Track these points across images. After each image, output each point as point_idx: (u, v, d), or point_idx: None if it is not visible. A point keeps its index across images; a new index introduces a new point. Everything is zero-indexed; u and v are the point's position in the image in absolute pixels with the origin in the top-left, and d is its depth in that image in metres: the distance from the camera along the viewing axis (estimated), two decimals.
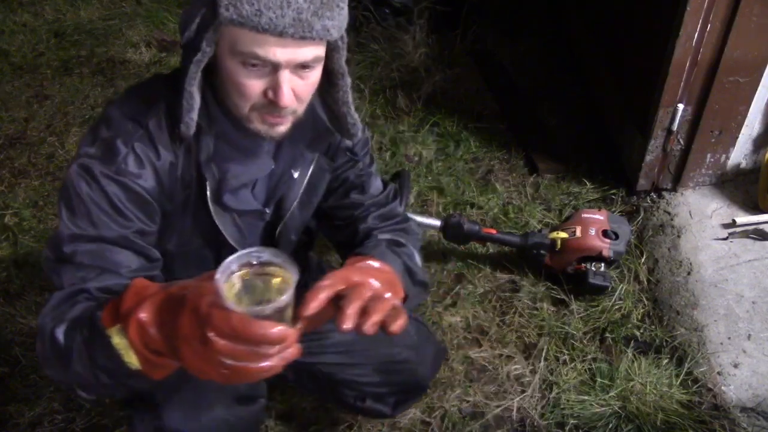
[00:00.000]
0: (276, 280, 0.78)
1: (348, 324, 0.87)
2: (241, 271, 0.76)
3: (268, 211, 1.24)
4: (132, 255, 1.05)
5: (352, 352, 1.45)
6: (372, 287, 0.93)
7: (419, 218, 2.01)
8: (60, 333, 0.94)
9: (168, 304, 0.80)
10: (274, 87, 0.99)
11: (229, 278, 0.75)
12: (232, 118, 1.08)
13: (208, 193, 1.12)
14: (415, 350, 1.48)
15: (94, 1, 3.49)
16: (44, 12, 3.43)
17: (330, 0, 0.96)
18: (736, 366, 1.79)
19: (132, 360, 0.84)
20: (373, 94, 2.81)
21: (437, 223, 2.01)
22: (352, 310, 0.88)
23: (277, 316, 0.74)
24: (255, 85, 1.00)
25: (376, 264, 1.00)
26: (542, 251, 2.01)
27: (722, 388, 1.75)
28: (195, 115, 1.04)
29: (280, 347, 0.74)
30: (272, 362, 0.74)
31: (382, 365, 1.46)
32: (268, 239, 1.29)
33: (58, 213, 1.05)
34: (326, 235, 1.44)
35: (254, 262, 0.77)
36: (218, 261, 1.09)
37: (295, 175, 1.23)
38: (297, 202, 1.25)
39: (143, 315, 0.81)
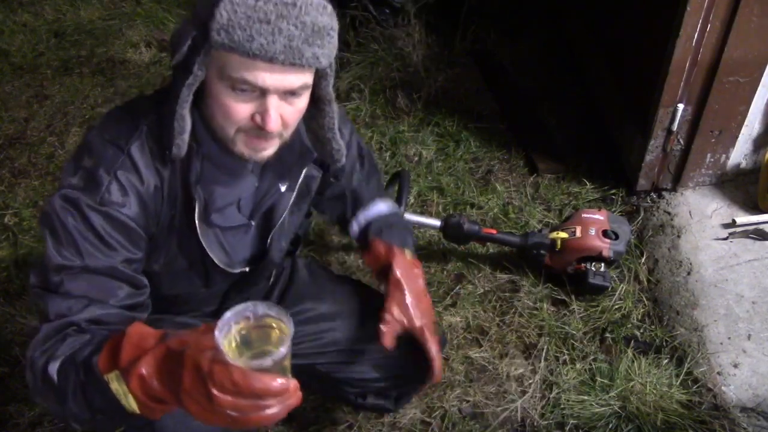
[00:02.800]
0: (273, 332, 0.81)
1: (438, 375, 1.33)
2: (239, 325, 0.79)
3: (253, 223, 1.25)
4: (119, 284, 1.06)
5: (350, 350, 1.46)
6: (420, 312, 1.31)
7: (419, 218, 2.01)
8: (53, 370, 0.95)
9: (169, 358, 0.83)
10: (262, 112, 1.00)
11: (228, 333, 0.78)
12: (218, 140, 1.08)
13: (196, 214, 1.13)
14: (413, 343, 1.50)
15: (94, 1, 3.49)
16: (44, 12, 3.43)
17: (321, 29, 0.97)
18: (736, 366, 1.79)
19: (131, 404, 0.86)
20: (373, 94, 2.81)
21: (437, 223, 2.01)
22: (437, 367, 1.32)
23: (277, 367, 0.77)
24: (243, 109, 1.00)
25: (402, 269, 1.33)
26: (542, 251, 2.01)
27: (722, 388, 1.75)
28: (187, 137, 1.04)
29: (282, 398, 0.77)
30: (275, 411, 0.77)
31: (381, 361, 1.46)
32: (260, 248, 1.30)
33: (42, 240, 1.05)
34: (316, 209, 1.52)
35: (251, 316, 0.80)
36: (206, 279, 1.20)
37: (283, 188, 1.25)
38: (287, 211, 1.27)
39: (145, 370, 0.83)
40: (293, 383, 0.77)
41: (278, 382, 0.76)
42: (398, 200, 1.81)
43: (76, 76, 3.03)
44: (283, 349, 0.77)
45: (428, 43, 2.92)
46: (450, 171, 2.47)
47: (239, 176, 1.16)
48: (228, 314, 0.79)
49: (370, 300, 1.45)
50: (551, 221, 2.26)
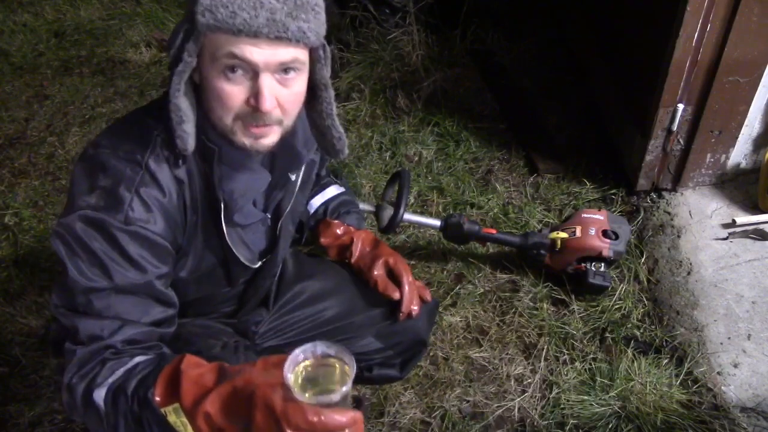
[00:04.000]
0: (334, 370, 0.86)
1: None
2: (305, 363, 0.84)
3: (269, 215, 1.27)
4: (150, 302, 1.06)
5: (349, 324, 1.48)
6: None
7: (419, 218, 2.01)
8: (99, 398, 0.97)
9: (234, 396, 0.87)
10: (256, 92, 0.99)
11: (294, 370, 0.83)
12: (223, 136, 1.07)
13: (222, 216, 1.13)
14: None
15: (94, 1, 3.50)
16: (44, 12, 3.43)
17: (305, 3, 0.97)
18: (736, 366, 1.79)
19: None
20: (373, 94, 2.81)
21: (437, 223, 2.01)
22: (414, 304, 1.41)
23: (342, 401, 0.82)
24: (236, 93, 1.00)
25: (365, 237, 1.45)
26: (542, 251, 2.01)
27: (722, 388, 1.75)
28: (188, 128, 1.02)
29: (352, 429, 0.82)
30: None
31: (381, 329, 1.48)
32: (272, 237, 1.31)
33: (60, 259, 1.02)
34: None
35: (314, 355, 0.85)
36: (229, 278, 1.26)
37: (293, 177, 1.27)
38: (293, 198, 1.29)
39: (211, 408, 0.88)
40: (360, 414, 0.83)
41: (349, 416, 0.81)
42: (398, 200, 1.81)
43: (76, 76, 3.03)
44: (347, 387, 0.82)
45: (428, 43, 2.92)
46: (450, 171, 2.48)
47: (252, 172, 1.15)
48: (295, 352, 0.83)
49: (354, 274, 1.51)
50: (551, 221, 2.26)
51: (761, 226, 2.09)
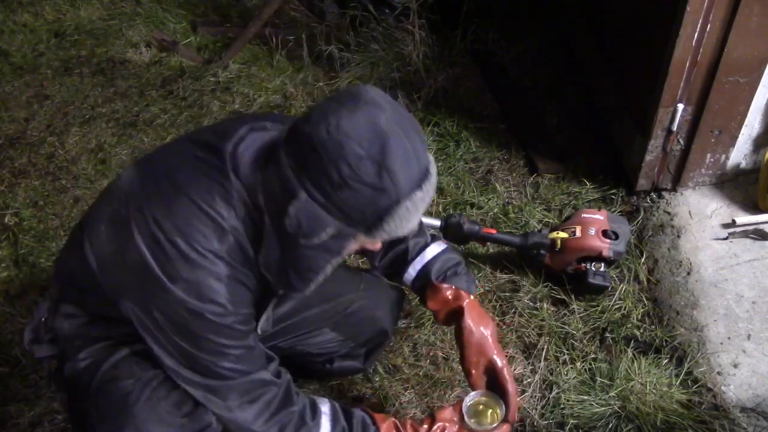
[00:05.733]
0: (488, 410, 1.38)
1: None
2: (471, 402, 1.37)
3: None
4: (263, 354, 1.22)
5: (304, 320, 1.50)
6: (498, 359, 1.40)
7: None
8: None
9: None
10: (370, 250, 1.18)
11: (467, 410, 1.35)
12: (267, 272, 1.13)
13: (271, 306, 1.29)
14: (368, 296, 1.56)
15: (94, 1, 3.49)
16: (44, 12, 3.43)
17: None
18: (736, 366, 1.79)
19: None
20: None
21: (437, 223, 2.01)
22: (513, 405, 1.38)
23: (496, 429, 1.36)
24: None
25: (474, 312, 1.42)
26: (542, 251, 2.01)
27: (722, 388, 1.75)
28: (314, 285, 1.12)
29: None
30: None
31: (337, 320, 1.50)
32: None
33: (180, 341, 1.11)
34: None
35: (476, 402, 1.38)
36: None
37: None
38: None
39: None
40: (508, 427, 1.36)
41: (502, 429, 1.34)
42: None
43: (76, 76, 3.03)
44: (499, 424, 1.36)
45: (428, 43, 2.91)
46: (450, 171, 2.47)
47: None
48: (469, 397, 1.36)
49: None
50: (551, 221, 2.26)
51: (761, 226, 2.09)
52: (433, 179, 1.04)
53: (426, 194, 1.03)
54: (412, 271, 1.48)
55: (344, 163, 0.95)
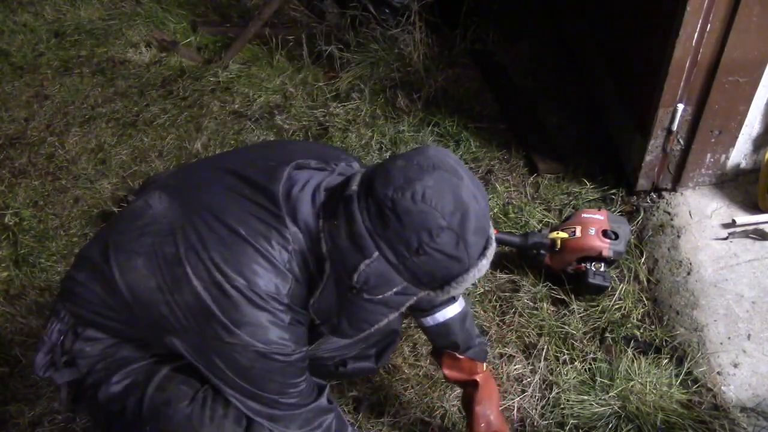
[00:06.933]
0: None
1: None
2: None
3: None
4: (315, 383, 1.26)
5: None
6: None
7: None
8: None
9: None
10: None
11: None
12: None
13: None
14: None
15: (94, 1, 3.50)
16: (44, 12, 3.43)
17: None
18: (736, 366, 1.79)
19: None
20: (373, 94, 2.81)
21: None
22: None
23: None
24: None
25: (485, 387, 1.52)
26: (542, 251, 2.01)
27: (722, 388, 1.75)
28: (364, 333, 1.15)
29: None
30: None
31: None
32: None
33: (244, 383, 1.14)
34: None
35: None
36: None
37: None
38: None
39: None
40: None
41: None
42: None
43: (76, 76, 3.04)
44: None
45: (428, 43, 2.92)
46: None
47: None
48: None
49: None
50: (551, 221, 2.26)
51: (761, 226, 2.09)
52: (494, 246, 1.09)
53: (488, 261, 1.08)
54: (431, 321, 1.51)
55: (425, 232, 0.99)
